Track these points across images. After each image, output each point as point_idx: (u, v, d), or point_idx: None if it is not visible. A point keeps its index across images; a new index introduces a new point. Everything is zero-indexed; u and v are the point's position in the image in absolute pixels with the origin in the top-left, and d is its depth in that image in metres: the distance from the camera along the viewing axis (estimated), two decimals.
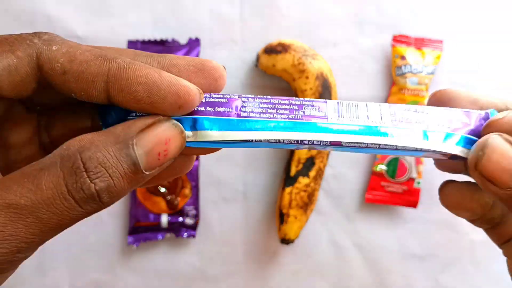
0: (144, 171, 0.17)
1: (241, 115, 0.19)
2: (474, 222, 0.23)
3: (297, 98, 0.20)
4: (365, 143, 0.19)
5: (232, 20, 0.46)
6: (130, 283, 0.46)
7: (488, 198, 0.21)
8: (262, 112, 0.19)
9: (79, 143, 0.16)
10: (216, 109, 0.19)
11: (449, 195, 0.22)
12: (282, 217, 0.44)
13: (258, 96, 0.20)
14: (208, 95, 0.19)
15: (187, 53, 0.45)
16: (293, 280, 0.48)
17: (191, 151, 0.20)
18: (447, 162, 0.23)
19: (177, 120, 0.18)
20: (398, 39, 0.46)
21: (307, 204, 0.44)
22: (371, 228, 0.48)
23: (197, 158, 0.46)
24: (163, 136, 0.17)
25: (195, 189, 0.46)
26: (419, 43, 0.46)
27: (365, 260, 0.48)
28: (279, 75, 0.45)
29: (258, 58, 0.44)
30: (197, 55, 0.45)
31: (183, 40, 0.45)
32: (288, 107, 0.20)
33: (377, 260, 0.48)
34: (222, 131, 0.19)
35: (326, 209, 0.48)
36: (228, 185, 0.47)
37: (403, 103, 0.46)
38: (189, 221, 0.46)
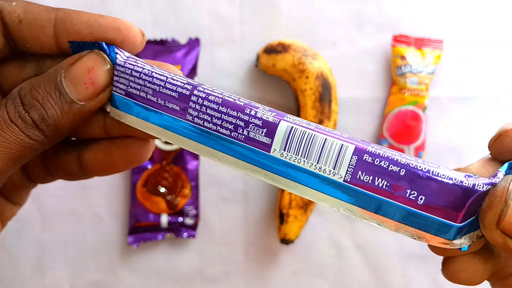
0: (77, 100, 0.19)
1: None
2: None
3: (247, 111, 0.17)
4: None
5: (232, 20, 0.46)
6: (130, 283, 0.46)
7: (503, 261, 0.18)
8: (206, 120, 0.18)
9: (18, 87, 0.19)
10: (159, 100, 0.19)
11: (459, 272, 0.17)
12: (282, 217, 0.44)
13: (212, 94, 0.18)
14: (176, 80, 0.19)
15: (187, 53, 0.45)
16: (293, 280, 0.48)
17: (128, 130, 0.21)
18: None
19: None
20: (398, 39, 0.46)
21: (307, 204, 0.44)
22: (371, 228, 0.48)
23: (197, 158, 0.46)
24: (85, 64, 0.19)
25: (195, 189, 0.46)
26: (419, 43, 0.46)
27: (365, 260, 0.48)
28: (279, 75, 0.45)
29: (258, 58, 0.44)
30: (197, 55, 0.45)
31: (183, 40, 0.45)
32: (234, 120, 0.18)
33: (377, 260, 0.48)
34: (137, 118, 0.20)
35: (326, 209, 0.48)
36: (228, 185, 0.47)
37: (403, 103, 0.46)
38: (189, 221, 0.46)
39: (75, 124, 0.19)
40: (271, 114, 0.17)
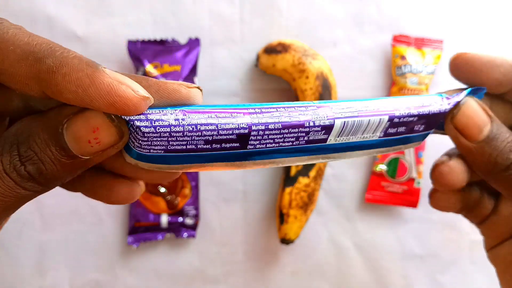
0: (79, 155, 0.17)
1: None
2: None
3: (306, 124, 0.19)
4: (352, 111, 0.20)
5: (232, 20, 0.46)
6: (130, 283, 0.46)
7: (473, 196, 0.25)
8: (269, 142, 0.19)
9: (16, 128, 0.17)
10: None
11: (439, 201, 0.25)
12: (282, 217, 0.44)
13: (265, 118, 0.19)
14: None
15: (187, 53, 0.45)
16: (293, 280, 0.48)
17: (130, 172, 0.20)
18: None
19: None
20: (398, 39, 0.46)
21: (307, 204, 0.44)
22: (371, 228, 0.48)
23: None
24: (89, 124, 0.17)
25: (195, 189, 0.46)
26: (419, 43, 0.46)
27: (365, 260, 0.48)
28: (279, 75, 0.44)
29: (258, 58, 0.44)
30: (197, 55, 0.45)
31: (183, 40, 0.45)
32: (295, 134, 0.19)
33: (377, 260, 0.48)
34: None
35: (326, 209, 0.48)
36: (228, 185, 0.47)
37: None
38: (189, 221, 0.46)
39: (78, 172, 0.18)
40: (326, 117, 0.20)
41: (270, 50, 0.44)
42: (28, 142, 0.16)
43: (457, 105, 0.22)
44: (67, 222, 0.46)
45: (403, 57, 0.46)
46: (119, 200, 0.21)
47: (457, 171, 0.23)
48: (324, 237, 0.48)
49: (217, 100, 0.46)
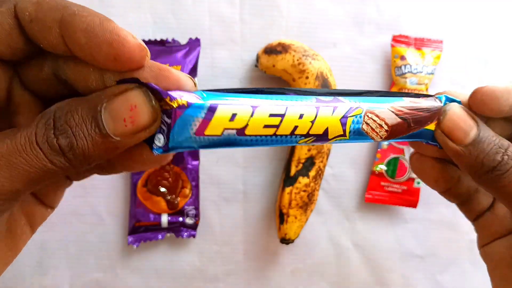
0: (112, 135, 0.17)
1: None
2: (444, 194, 0.26)
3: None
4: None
5: (232, 20, 0.46)
6: (130, 283, 0.47)
7: (453, 173, 0.25)
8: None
9: (56, 105, 0.18)
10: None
11: (416, 161, 0.26)
12: (282, 217, 0.44)
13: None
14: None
15: (187, 53, 0.45)
16: (293, 280, 0.48)
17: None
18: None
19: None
20: (398, 39, 0.46)
21: (307, 204, 0.44)
22: (371, 228, 0.48)
23: (197, 158, 0.46)
24: (128, 101, 0.18)
25: (195, 189, 0.46)
26: (419, 43, 0.46)
27: (365, 260, 0.48)
28: (279, 75, 0.45)
29: (258, 58, 0.44)
30: (197, 55, 0.45)
31: (183, 40, 0.45)
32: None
33: (377, 260, 0.48)
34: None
35: (326, 209, 0.48)
36: (228, 185, 0.47)
37: None
38: (189, 221, 0.46)
39: (105, 156, 0.18)
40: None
41: (270, 50, 0.44)
42: (65, 117, 0.17)
43: (441, 111, 0.23)
44: (67, 222, 0.46)
45: (402, 57, 0.46)
46: (151, 159, 0.21)
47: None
48: (323, 237, 0.48)
49: None
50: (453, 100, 0.23)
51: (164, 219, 0.45)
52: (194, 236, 0.46)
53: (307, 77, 0.43)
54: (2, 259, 0.21)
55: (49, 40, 0.18)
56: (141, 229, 0.45)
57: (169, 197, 0.45)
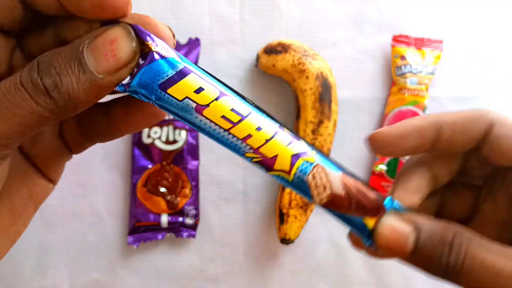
0: (95, 72, 0.18)
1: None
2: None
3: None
4: None
5: (232, 20, 0.46)
6: (130, 283, 0.46)
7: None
8: None
9: (43, 54, 0.18)
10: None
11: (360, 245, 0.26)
12: (282, 217, 0.44)
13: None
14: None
15: (187, 53, 0.45)
16: (293, 280, 0.48)
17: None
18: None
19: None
20: (398, 39, 0.46)
21: (307, 204, 0.44)
22: None
23: (197, 158, 0.46)
24: (109, 37, 0.18)
25: (195, 189, 0.46)
26: (419, 43, 0.46)
27: (365, 260, 0.48)
28: (279, 75, 0.45)
29: (258, 58, 0.44)
30: (197, 55, 0.45)
31: (183, 40, 0.45)
32: None
33: (377, 260, 0.48)
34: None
35: None
36: (228, 185, 0.47)
37: (403, 103, 0.46)
38: (189, 221, 0.46)
39: (91, 97, 0.18)
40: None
41: (270, 50, 0.44)
42: (49, 60, 0.18)
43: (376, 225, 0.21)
44: (67, 222, 0.46)
45: (403, 57, 0.46)
46: (154, 113, 0.22)
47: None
48: (324, 237, 0.48)
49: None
50: (392, 205, 0.22)
51: (164, 219, 0.45)
52: (194, 236, 0.46)
53: (307, 77, 0.43)
54: (5, 233, 0.21)
55: (44, 1, 0.19)
56: (141, 229, 0.45)
57: (169, 197, 0.45)
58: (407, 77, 0.46)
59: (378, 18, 0.47)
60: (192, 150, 0.46)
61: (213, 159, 0.47)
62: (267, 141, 0.20)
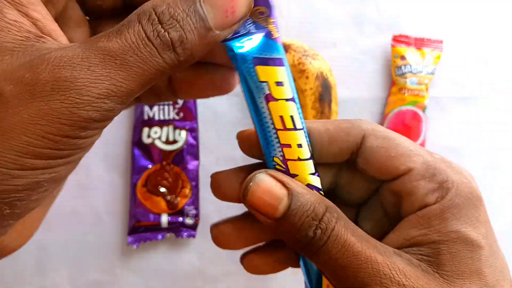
0: (213, 28, 0.17)
1: None
2: None
3: None
4: None
5: None
6: (130, 283, 0.46)
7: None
8: None
9: (152, 3, 0.17)
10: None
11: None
12: None
13: None
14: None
15: None
16: (293, 280, 0.48)
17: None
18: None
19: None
20: (398, 39, 0.46)
21: None
22: None
23: (197, 158, 0.46)
24: None
25: (195, 189, 0.46)
26: (419, 43, 0.46)
27: None
28: None
29: None
30: None
31: None
32: None
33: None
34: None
35: None
36: None
37: (403, 103, 0.46)
38: (189, 221, 0.46)
39: (203, 53, 0.18)
40: None
41: None
42: (169, 12, 0.17)
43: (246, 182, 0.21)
44: (67, 222, 0.46)
45: (403, 57, 0.46)
46: (222, 86, 0.22)
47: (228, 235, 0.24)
48: None
49: (217, 99, 0.46)
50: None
51: (164, 219, 0.45)
52: (194, 236, 0.46)
53: (307, 77, 0.43)
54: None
55: None
56: (141, 229, 0.45)
57: (169, 197, 0.45)
58: (407, 77, 0.46)
59: (378, 18, 0.47)
60: (192, 150, 0.46)
61: (213, 159, 0.47)
62: (299, 159, 0.20)
